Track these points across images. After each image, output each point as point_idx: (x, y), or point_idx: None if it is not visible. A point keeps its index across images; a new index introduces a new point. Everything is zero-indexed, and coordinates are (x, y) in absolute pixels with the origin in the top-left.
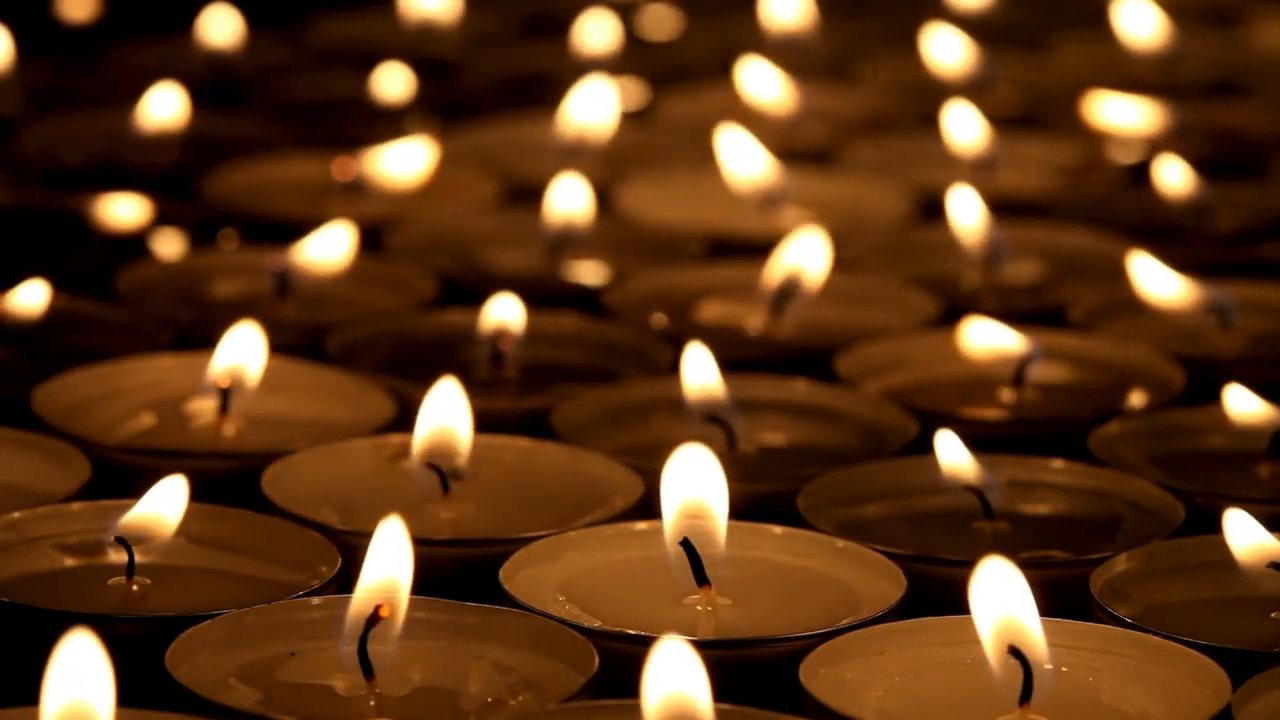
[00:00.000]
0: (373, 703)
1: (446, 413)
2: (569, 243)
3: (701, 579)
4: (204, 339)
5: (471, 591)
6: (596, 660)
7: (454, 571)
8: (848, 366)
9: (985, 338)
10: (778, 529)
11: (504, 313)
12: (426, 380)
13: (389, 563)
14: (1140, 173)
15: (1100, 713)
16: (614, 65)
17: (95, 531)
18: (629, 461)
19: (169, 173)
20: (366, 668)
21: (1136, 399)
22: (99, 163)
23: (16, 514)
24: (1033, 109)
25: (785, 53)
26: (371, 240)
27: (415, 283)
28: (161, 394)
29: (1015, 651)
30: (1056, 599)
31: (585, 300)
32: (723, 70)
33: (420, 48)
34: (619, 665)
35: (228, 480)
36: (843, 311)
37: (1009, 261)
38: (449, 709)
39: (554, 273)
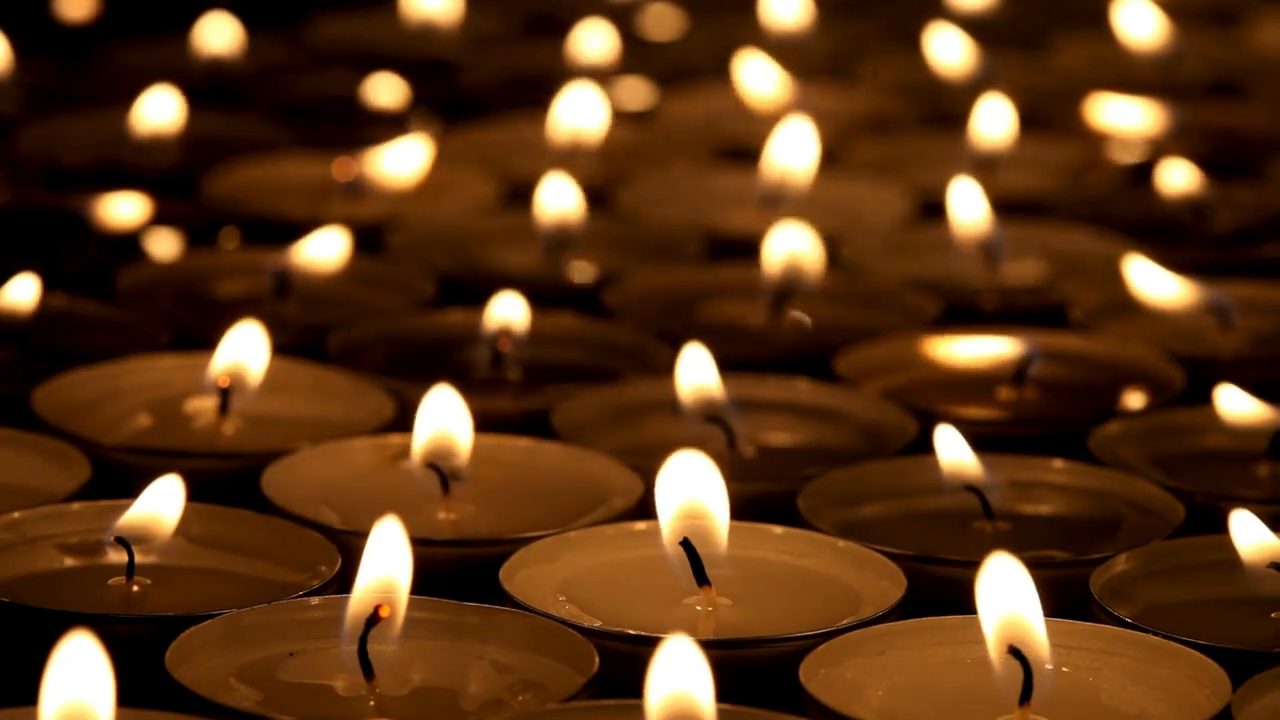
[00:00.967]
0: (373, 703)
1: (445, 415)
2: (567, 242)
3: (701, 579)
4: (204, 339)
5: (471, 591)
6: (596, 660)
7: (454, 571)
8: (848, 366)
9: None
10: (778, 529)
11: (505, 312)
12: (426, 380)
13: (387, 563)
14: (1140, 173)
15: (1100, 713)
16: (614, 66)
17: (95, 531)
18: (629, 461)
19: (169, 173)
20: (366, 668)
21: (1133, 400)
22: (98, 163)
23: (16, 514)
24: (1033, 109)
25: (785, 53)
26: (371, 240)
27: (415, 283)
28: (161, 394)
29: (1015, 651)
30: (1056, 599)
31: (585, 300)
32: (723, 70)
33: (420, 48)
34: (619, 665)
35: (228, 480)
36: (843, 311)
37: (1007, 260)
38: (449, 709)
39: (554, 273)
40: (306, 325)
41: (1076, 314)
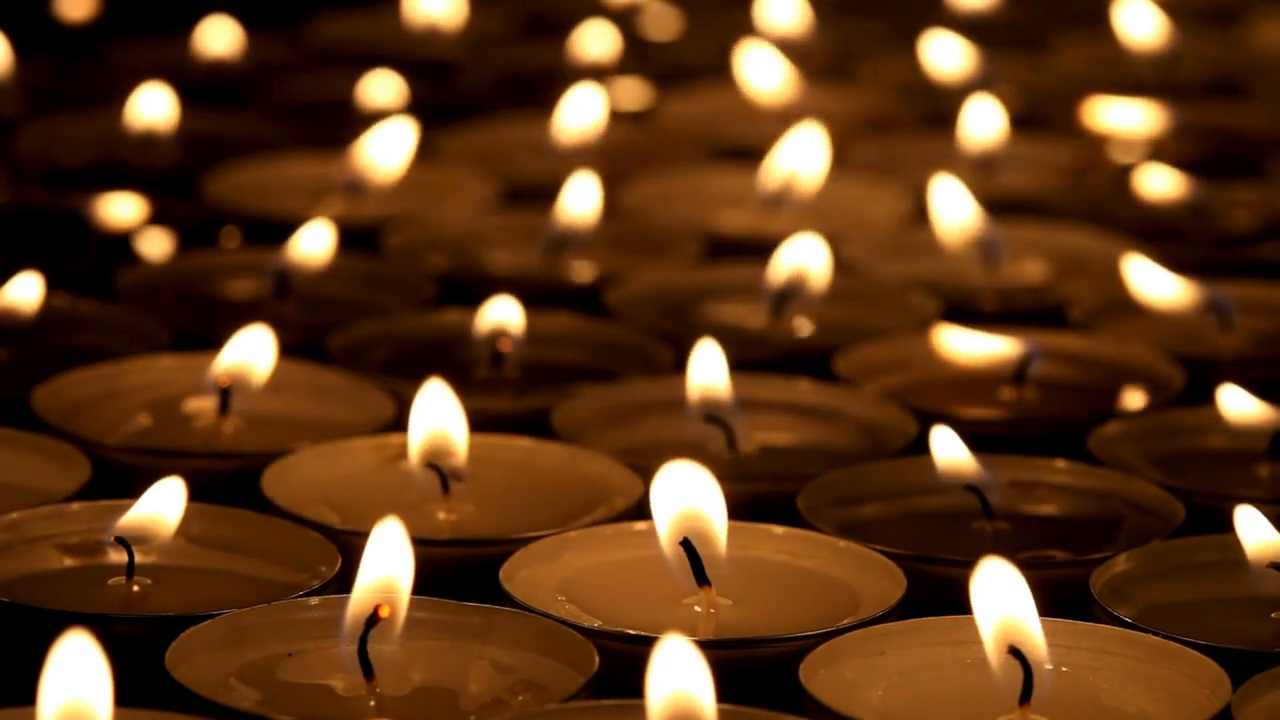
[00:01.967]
0: (373, 703)
1: (440, 414)
2: (568, 242)
3: (701, 579)
4: (204, 339)
5: (471, 591)
6: (596, 660)
7: (454, 571)
8: (848, 366)
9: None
10: (778, 529)
11: (500, 314)
12: (426, 380)
13: (388, 563)
14: (1140, 173)
15: (1100, 713)
16: (614, 66)
17: (95, 531)
18: (629, 461)
19: (169, 173)
20: (366, 668)
21: (1133, 400)
22: (98, 163)
23: (16, 514)
24: (1033, 109)
25: (785, 52)
26: (371, 240)
27: (415, 283)
28: (161, 394)
29: (1015, 651)
30: (1056, 599)
31: (585, 300)
32: (723, 70)
33: (420, 48)
34: (619, 665)
35: (228, 480)
36: (843, 311)
37: (1007, 260)
38: (449, 709)
39: (553, 273)
40: (306, 325)
41: (1076, 314)
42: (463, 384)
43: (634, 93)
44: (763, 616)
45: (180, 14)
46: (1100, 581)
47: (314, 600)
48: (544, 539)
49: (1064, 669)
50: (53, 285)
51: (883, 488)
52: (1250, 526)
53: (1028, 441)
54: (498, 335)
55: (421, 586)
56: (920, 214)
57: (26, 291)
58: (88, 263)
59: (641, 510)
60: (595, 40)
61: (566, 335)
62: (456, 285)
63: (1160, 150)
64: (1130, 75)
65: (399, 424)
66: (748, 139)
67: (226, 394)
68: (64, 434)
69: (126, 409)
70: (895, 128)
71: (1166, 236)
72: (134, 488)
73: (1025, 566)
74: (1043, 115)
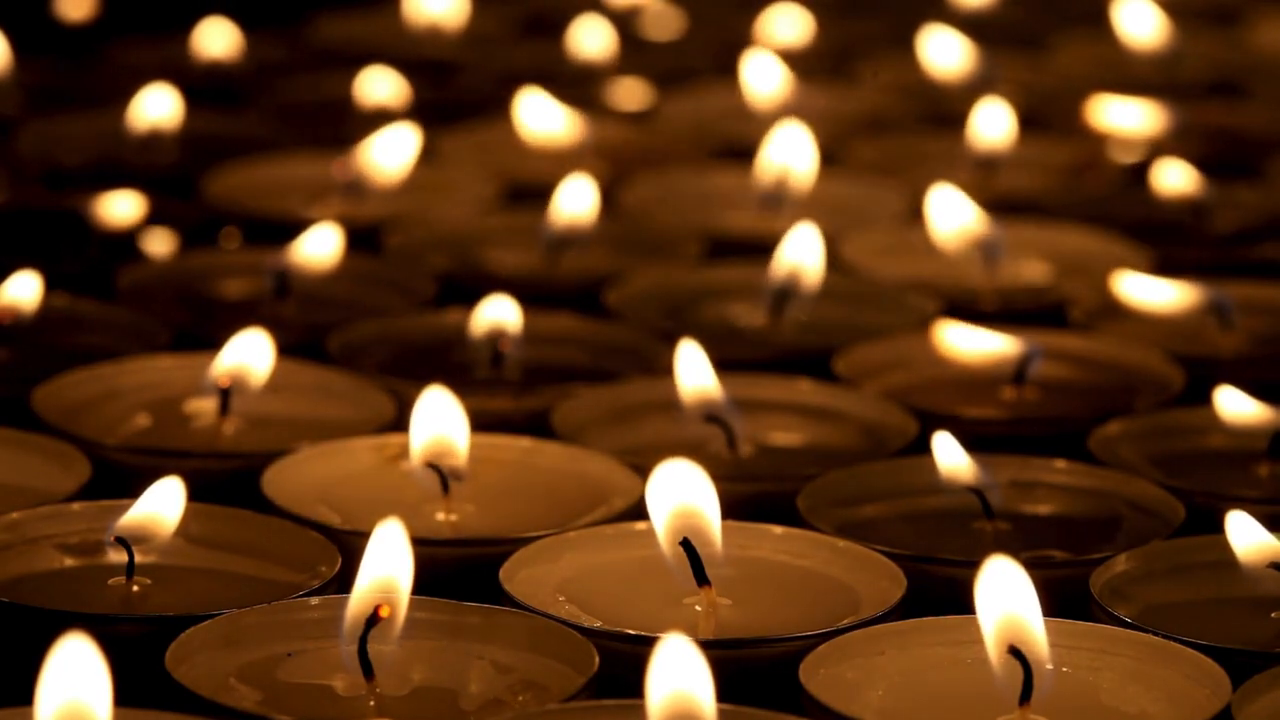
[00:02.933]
0: (373, 703)
1: (442, 416)
2: (569, 242)
3: (701, 579)
4: (204, 339)
5: (471, 591)
6: (596, 660)
7: (454, 571)
8: (848, 366)
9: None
10: (778, 529)
11: (503, 313)
12: (426, 380)
13: (388, 563)
14: (1140, 173)
15: (1100, 713)
16: (614, 66)
17: (95, 531)
18: (629, 461)
19: (169, 173)
20: (366, 668)
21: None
22: (98, 163)
23: (16, 514)
24: (1033, 109)
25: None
26: (371, 240)
27: (415, 283)
28: (161, 394)
29: (1015, 651)
30: (1056, 599)
31: (585, 300)
32: (723, 70)
33: (420, 48)
34: (619, 665)
35: (228, 480)
36: (843, 311)
37: (1007, 260)
38: (449, 709)
39: (553, 273)
40: (306, 325)
41: (1076, 314)
42: (463, 384)
43: (634, 93)
44: (763, 616)
45: (180, 14)
46: (1100, 581)
47: (314, 600)
48: (544, 539)
49: (1064, 669)
50: (53, 285)
51: (883, 488)
52: (1242, 531)
53: (1028, 441)
54: (497, 335)
55: (421, 586)
56: (920, 214)
57: (26, 291)
58: (88, 263)
59: (641, 510)
60: (594, 39)
61: (566, 335)
62: (456, 285)
63: (1160, 150)
64: (1130, 75)
65: (399, 424)
66: (748, 139)
67: (226, 394)
68: (64, 434)
69: (126, 409)
70: (895, 128)
71: (1167, 236)
72: (134, 488)
73: (1025, 566)
74: (1043, 115)
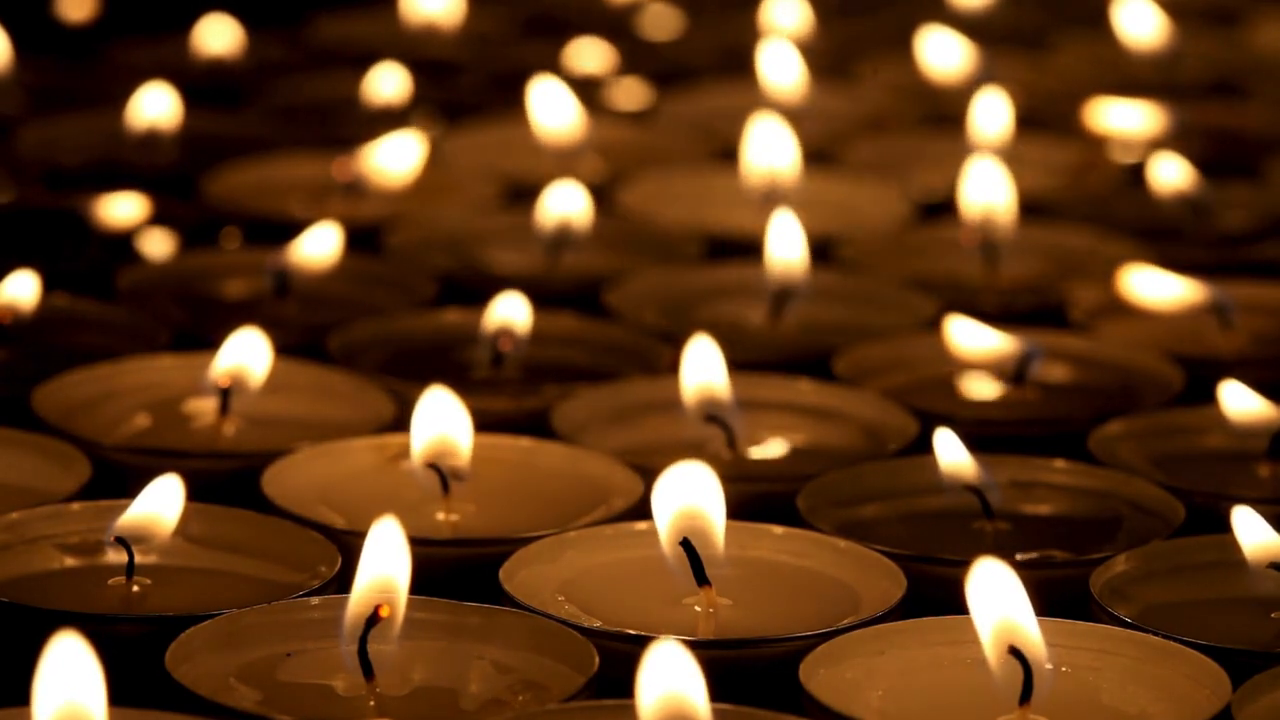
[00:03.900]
0: (373, 703)
1: (444, 416)
2: (567, 242)
3: (702, 579)
4: (204, 339)
5: (471, 591)
6: (596, 660)
7: (454, 571)
8: (848, 366)
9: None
10: (778, 529)
11: (506, 312)
12: (426, 380)
13: (386, 562)
14: (1140, 173)
15: (1100, 713)
16: (613, 66)
17: (95, 531)
18: (629, 461)
19: (169, 173)
20: (366, 668)
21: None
22: (98, 163)
23: (16, 514)
24: (1033, 109)
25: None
26: (371, 240)
27: (415, 283)
28: (161, 394)
29: (1015, 651)
30: (1056, 599)
31: (585, 300)
32: (723, 70)
33: (419, 48)
34: (619, 665)
35: (228, 480)
36: (843, 311)
37: (1007, 260)
38: (449, 709)
39: (553, 273)
40: (306, 325)
41: (1076, 314)
42: (463, 384)
43: (634, 93)
44: (763, 616)
45: (180, 14)
46: (1100, 581)
47: (314, 600)
48: (544, 539)
49: (1064, 669)
50: (52, 285)
51: (883, 488)
52: (1248, 527)
53: (1028, 441)
54: (499, 335)
55: (421, 586)
56: (920, 214)
57: (26, 291)
58: (88, 263)
59: (641, 510)
60: (594, 39)
61: (567, 335)
62: (457, 285)
63: (1160, 150)
64: (1130, 75)
65: (399, 424)
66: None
67: (226, 394)
68: (64, 434)
69: (126, 409)
70: (895, 128)
71: (1167, 236)
72: (133, 488)
73: (1025, 567)
74: (1043, 115)
